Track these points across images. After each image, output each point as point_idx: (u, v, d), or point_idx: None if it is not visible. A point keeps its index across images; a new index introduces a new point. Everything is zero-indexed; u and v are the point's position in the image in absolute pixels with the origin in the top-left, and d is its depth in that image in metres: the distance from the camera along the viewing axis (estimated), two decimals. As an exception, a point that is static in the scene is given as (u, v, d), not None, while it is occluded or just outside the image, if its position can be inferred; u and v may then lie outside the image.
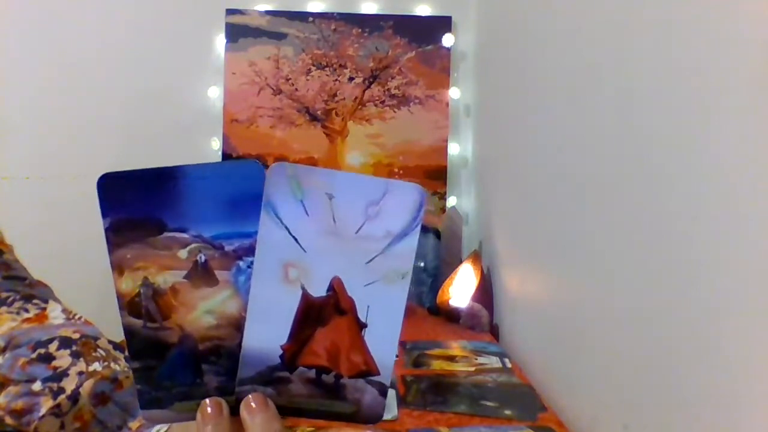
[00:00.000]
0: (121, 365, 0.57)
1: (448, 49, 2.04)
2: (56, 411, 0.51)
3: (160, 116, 2.03)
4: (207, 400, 0.36)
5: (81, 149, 2.02)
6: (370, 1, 2.05)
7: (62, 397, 0.52)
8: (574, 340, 1.03)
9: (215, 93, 2.04)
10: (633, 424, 0.79)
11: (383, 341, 0.37)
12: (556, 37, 1.16)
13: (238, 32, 2.04)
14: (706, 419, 0.62)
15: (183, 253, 0.36)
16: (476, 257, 1.69)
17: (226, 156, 2.02)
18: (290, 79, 2.05)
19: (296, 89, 2.05)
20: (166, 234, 0.36)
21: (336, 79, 2.05)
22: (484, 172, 1.92)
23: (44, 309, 0.61)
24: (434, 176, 2.03)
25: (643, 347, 0.77)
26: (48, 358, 0.54)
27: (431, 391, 1.08)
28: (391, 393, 1.05)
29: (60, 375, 0.53)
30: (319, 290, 0.36)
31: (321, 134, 2.05)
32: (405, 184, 0.36)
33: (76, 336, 0.57)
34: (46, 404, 0.51)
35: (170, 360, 0.36)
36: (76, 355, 0.55)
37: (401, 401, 1.03)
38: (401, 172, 2.02)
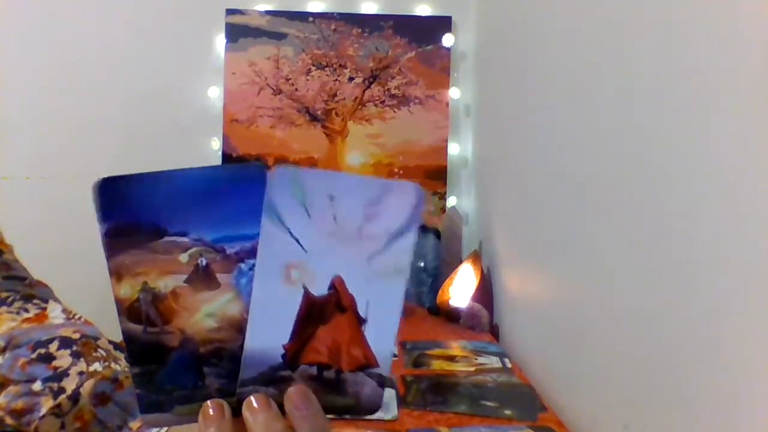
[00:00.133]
0: (121, 365, 0.57)
1: (448, 49, 2.04)
2: (57, 411, 0.51)
3: (160, 116, 2.03)
4: (208, 402, 0.36)
5: (81, 149, 2.02)
6: (370, 1, 2.05)
7: (63, 397, 0.52)
8: (574, 340, 1.03)
9: (215, 93, 2.04)
10: (633, 424, 0.79)
11: (382, 334, 0.37)
12: (556, 37, 1.16)
13: (238, 32, 2.04)
14: (706, 419, 0.62)
15: (184, 257, 0.36)
16: (476, 257, 1.69)
17: (226, 156, 2.02)
18: (290, 79, 2.05)
19: (296, 89, 2.05)
20: (166, 238, 0.36)
21: (336, 79, 2.05)
22: (484, 172, 1.92)
23: (44, 309, 0.61)
24: (434, 176, 2.03)
25: (643, 347, 0.77)
26: (48, 358, 0.54)
27: (431, 391, 1.08)
28: (391, 393, 1.05)
29: (60, 375, 0.53)
30: (320, 289, 0.37)
31: (321, 134, 2.05)
32: (403, 183, 0.37)
33: (77, 336, 0.57)
34: (46, 404, 0.51)
35: (171, 364, 0.36)
36: (76, 355, 0.55)
37: (401, 401, 1.03)
38: (401, 172, 2.02)
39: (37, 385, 0.52)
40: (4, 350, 0.55)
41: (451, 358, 1.28)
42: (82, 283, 1.46)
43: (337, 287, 0.37)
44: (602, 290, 0.92)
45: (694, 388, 0.64)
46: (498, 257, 1.62)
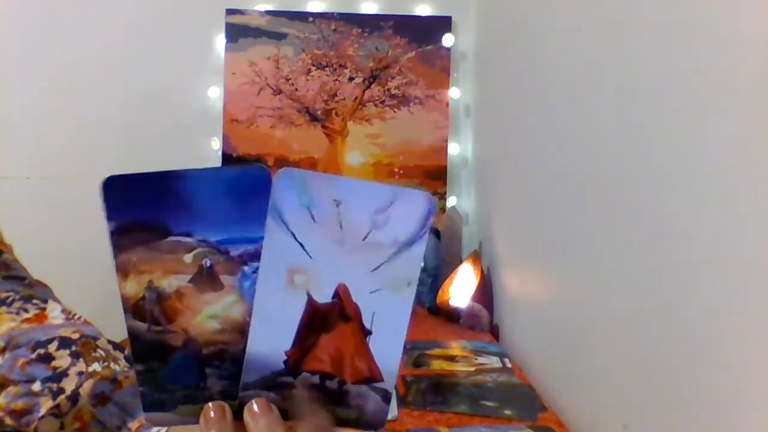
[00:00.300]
0: (120, 365, 0.57)
1: (448, 49, 2.04)
2: (56, 411, 0.51)
3: (160, 116, 2.03)
4: (210, 404, 0.36)
5: (81, 149, 2.02)
6: (370, 1, 2.05)
7: (62, 397, 0.52)
8: (574, 340, 1.03)
9: (215, 93, 2.04)
10: (633, 424, 0.79)
11: (388, 348, 0.37)
12: (556, 37, 1.16)
13: (238, 32, 2.04)
14: (706, 419, 0.62)
15: (188, 258, 0.36)
16: (476, 257, 1.69)
17: (226, 156, 2.02)
18: (290, 79, 2.05)
19: (296, 89, 2.05)
20: (172, 238, 0.36)
21: (336, 79, 2.05)
22: (484, 172, 1.92)
23: (44, 309, 0.61)
24: (434, 176, 2.03)
25: (643, 347, 0.77)
26: (48, 359, 0.54)
27: (431, 391, 1.08)
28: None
29: (60, 375, 0.53)
30: (324, 296, 0.36)
31: (321, 134, 2.05)
32: (414, 192, 0.36)
33: (76, 336, 0.57)
34: (45, 405, 0.51)
35: (174, 363, 0.36)
36: (75, 356, 0.54)
37: (401, 401, 1.03)
38: (401, 172, 2.02)
39: (36, 386, 0.52)
40: (3, 350, 0.55)
41: (451, 358, 1.28)
42: (82, 283, 1.46)
43: (341, 295, 0.36)
44: (602, 290, 0.92)
45: (694, 388, 0.64)
46: (498, 257, 1.62)
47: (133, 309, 0.36)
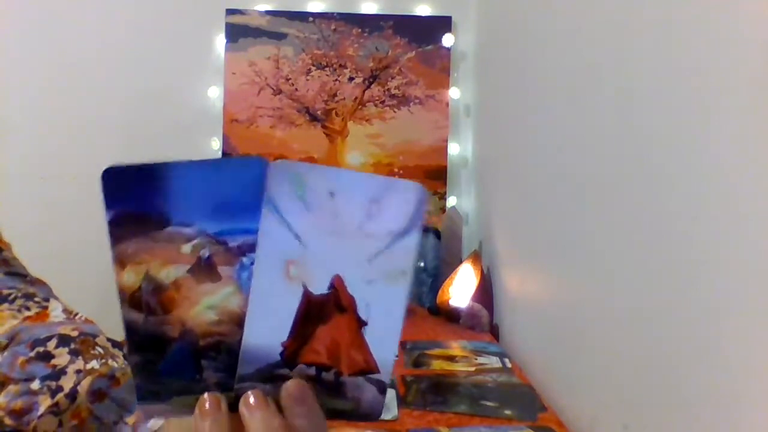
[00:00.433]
0: (119, 362, 0.57)
1: (448, 49, 2.04)
2: (54, 410, 0.51)
3: (160, 116, 2.03)
4: (206, 395, 0.36)
5: (81, 149, 2.02)
6: (370, 1, 2.05)
7: (60, 395, 0.52)
8: (574, 340, 1.03)
9: (215, 93, 2.04)
10: (633, 424, 0.79)
11: (383, 339, 0.37)
12: (556, 37, 1.16)
13: (238, 32, 2.04)
14: (706, 419, 0.62)
15: (186, 248, 0.36)
16: (476, 257, 1.69)
17: (226, 156, 2.02)
18: (290, 79, 2.05)
19: (296, 89, 2.05)
20: (170, 228, 0.36)
21: (336, 79, 2.05)
22: (484, 172, 1.92)
23: (46, 308, 0.61)
24: (434, 176, 2.03)
25: (643, 347, 0.77)
26: (47, 357, 0.54)
27: (431, 391, 1.08)
28: (391, 393, 1.05)
29: (58, 373, 0.53)
30: (320, 288, 0.36)
31: (321, 134, 2.05)
32: (407, 182, 0.36)
33: (75, 334, 0.57)
34: (44, 403, 0.51)
35: (170, 354, 0.36)
36: (74, 353, 0.55)
37: (401, 401, 1.03)
38: (401, 172, 2.02)
39: (35, 384, 0.52)
40: (6, 348, 0.55)
41: (451, 358, 1.28)
42: (82, 283, 1.46)
43: (336, 287, 0.36)
44: (602, 290, 0.92)
45: (694, 388, 0.64)
46: (498, 257, 1.62)
47: (130, 299, 0.36)
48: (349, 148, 2.04)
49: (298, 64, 2.04)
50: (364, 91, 2.04)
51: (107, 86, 2.03)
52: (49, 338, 0.55)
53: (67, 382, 0.52)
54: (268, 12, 2.04)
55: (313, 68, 2.05)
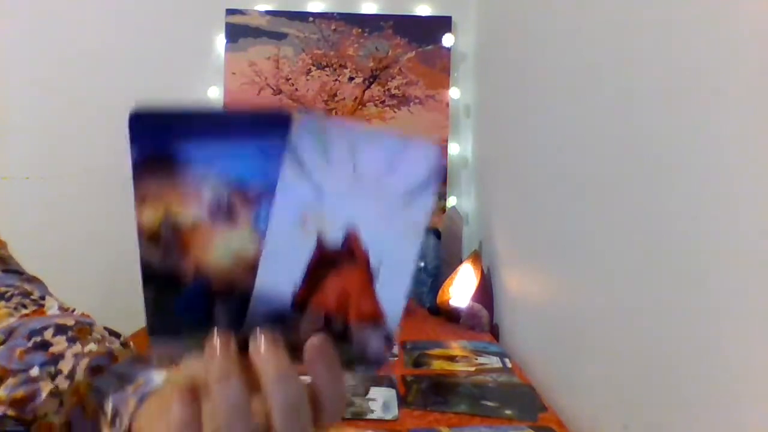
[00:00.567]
0: (116, 346, 0.57)
1: (448, 49, 2.04)
2: (55, 391, 0.51)
3: (160, 116, 2.03)
4: (216, 334, 0.36)
5: (81, 149, 2.02)
6: (370, 1, 2.05)
7: (60, 377, 0.52)
8: (574, 340, 1.03)
9: (215, 93, 2.04)
10: (633, 424, 0.79)
11: (393, 291, 0.38)
12: (556, 37, 1.16)
13: (238, 32, 2.04)
14: (706, 419, 0.62)
15: (207, 192, 0.36)
16: (476, 257, 1.69)
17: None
18: (290, 79, 2.05)
19: (296, 89, 2.05)
20: (192, 171, 0.36)
21: (336, 79, 2.05)
22: (484, 172, 1.92)
23: (42, 306, 0.61)
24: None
25: (643, 347, 0.77)
26: (44, 346, 0.54)
27: (432, 391, 1.08)
28: (392, 393, 1.05)
29: (57, 358, 0.53)
30: (334, 239, 0.37)
31: (321, 134, 2.05)
32: (422, 142, 0.37)
33: (72, 323, 0.57)
34: (45, 388, 0.51)
35: (184, 294, 0.37)
36: (72, 340, 0.55)
37: (401, 401, 1.03)
38: (401, 172, 2.02)
39: (34, 371, 0.52)
40: (3, 343, 0.55)
41: (452, 358, 1.28)
42: (82, 283, 1.46)
43: (351, 238, 0.37)
44: (602, 290, 0.92)
45: (694, 388, 0.64)
46: (498, 257, 1.62)
47: (149, 237, 0.37)
48: (349, 148, 2.04)
49: (298, 64, 2.05)
50: (364, 91, 2.04)
51: (107, 86, 2.03)
52: (45, 328, 0.56)
53: (65, 365, 0.52)
54: (268, 12, 2.04)
55: (313, 68, 2.05)
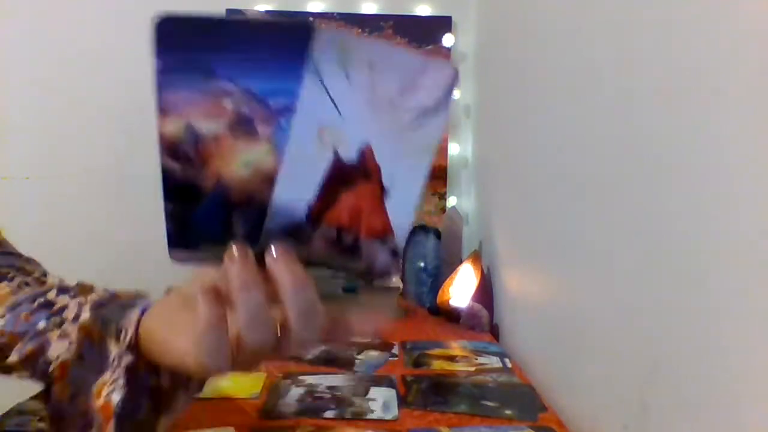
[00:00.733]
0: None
1: (448, 49, 2.04)
2: (63, 334, 0.52)
3: (160, 116, 2.03)
4: (234, 245, 0.37)
5: (81, 149, 2.02)
6: (370, 1, 2.05)
7: (67, 323, 0.53)
8: (574, 340, 1.03)
9: (215, 93, 2.04)
10: (633, 424, 0.79)
11: (402, 208, 0.39)
12: (556, 37, 1.16)
13: (238, 32, 2.03)
14: (706, 419, 0.62)
15: (228, 104, 0.37)
16: (476, 257, 1.69)
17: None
18: (290, 79, 2.05)
19: (296, 89, 2.05)
20: (215, 83, 0.36)
21: (336, 79, 2.04)
22: (484, 172, 1.92)
23: (44, 283, 0.62)
24: (434, 176, 2.03)
25: (643, 347, 0.77)
26: (49, 305, 0.55)
27: (432, 391, 1.08)
28: (392, 393, 1.05)
29: (62, 309, 0.54)
30: (350, 155, 0.38)
31: (321, 134, 2.05)
32: (439, 61, 0.38)
33: (73, 284, 0.58)
34: (53, 336, 0.52)
35: (203, 205, 0.38)
36: (74, 296, 0.56)
37: (401, 401, 1.03)
38: (401, 172, 2.02)
39: (41, 325, 0.53)
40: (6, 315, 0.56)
41: (452, 358, 1.28)
42: (82, 283, 1.46)
43: (365, 155, 0.38)
44: (602, 290, 0.92)
45: (695, 388, 0.64)
46: (498, 257, 1.62)
47: (169, 148, 0.37)
48: (349, 148, 2.04)
49: (298, 64, 2.04)
50: (364, 91, 2.04)
51: (108, 86, 2.03)
52: (47, 290, 0.57)
53: (70, 313, 0.54)
54: (268, 12, 2.04)
55: (313, 68, 2.05)
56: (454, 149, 2.06)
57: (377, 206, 0.39)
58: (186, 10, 0.36)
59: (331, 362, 1.22)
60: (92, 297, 0.55)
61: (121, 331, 0.49)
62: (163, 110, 0.36)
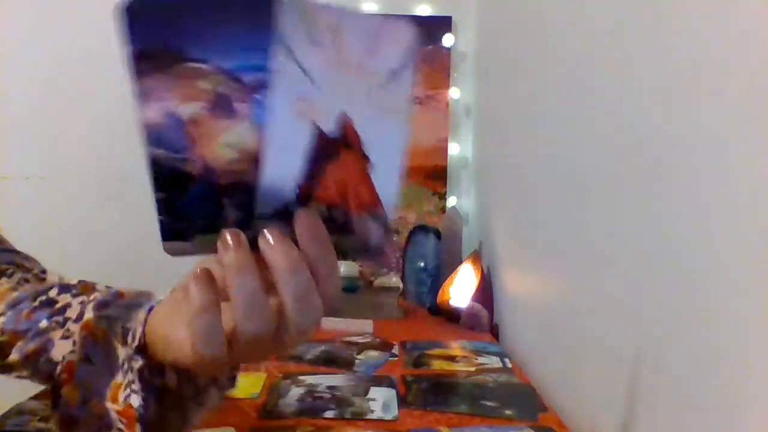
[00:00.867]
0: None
1: (448, 49, 2.04)
2: (66, 334, 0.51)
3: (160, 116, 2.03)
4: (226, 232, 0.37)
5: (81, 149, 2.02)
6: (370, 1, 2.05)
7: (70, 323, 0.52)
8: (574, 340, 1.03)
9: (215, 93, 2.04)
10: (633, 424, 0.79)
11: (386, 177, 0.38)
12: (556, 37, 1.16)
13: (238, 32, 2.03)
14: (706, 419, 0.62)
15: (204, 84, 0.36)
16: (476, 257, 1.69)
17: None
18: (290, 79, 2.05)
19: (296, 89, 2.05)
20: (188, 64, 0.36)
21: (336, 79, 2.04)
22: (484, 172, 1.92)
23: (44, 279, 0.62)
24: (434, 176, 2.03)
25: (643, 347, 0.77)
26: (50, 303, 0.54)
27: (432, 391, 1.08)
28: (392, 393, 1.05)
29: (64, 307, 0.54)
30: (328, 125, 0.37)
31: (321, 134, 2.05)
32: (397, 20, 0.37)
33: (74, 282, 0.58)
34: (56, 336, 0.51)
35: (193, 192, 0.37)
36: (76, 295, 0.55)
37: (401, 401, 1.03)
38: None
39: (43, 323, 0.52)
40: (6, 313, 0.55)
41: (452, 358, 1.28)
42: (82, 283, 1.46)
43: (345, 125, 0.37)
44: (602, 290, 0.92)
45: (694, 388, 0.64)
46: (498, 257, 1.62)
47: (153, 136, 0.37)
48: (349, 148, 2.04)
49: (298, 64, 2.04)
50: (364, 91, 2.04)
51: (108, 86, 2.01)
52: (49, 288, 0.56)
53: (73, 312, 0.53)
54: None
55: (313, 68, 2.05)
56: (454, 149, 2.06)
57: (363, 177, 0.38)
58: None
59: (331, 362, 1.22)
60: (95, 296, 0.54)
61: (127, 333, 0.48)
62: (142, 98, 0.36)
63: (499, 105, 1.70)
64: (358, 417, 0.96)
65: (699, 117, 0.64)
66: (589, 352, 0.97)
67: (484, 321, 1.55)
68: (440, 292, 1.69)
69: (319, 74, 0.36)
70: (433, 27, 2.04)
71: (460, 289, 1.63)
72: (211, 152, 0.37)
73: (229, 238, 0.37)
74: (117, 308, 0.51)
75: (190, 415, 0.50)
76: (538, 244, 1.29)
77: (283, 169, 0.37)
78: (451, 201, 2.05)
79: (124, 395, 0.47)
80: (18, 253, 0.67)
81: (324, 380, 1.11)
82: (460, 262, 1.73)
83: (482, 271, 1.66)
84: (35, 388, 0.57)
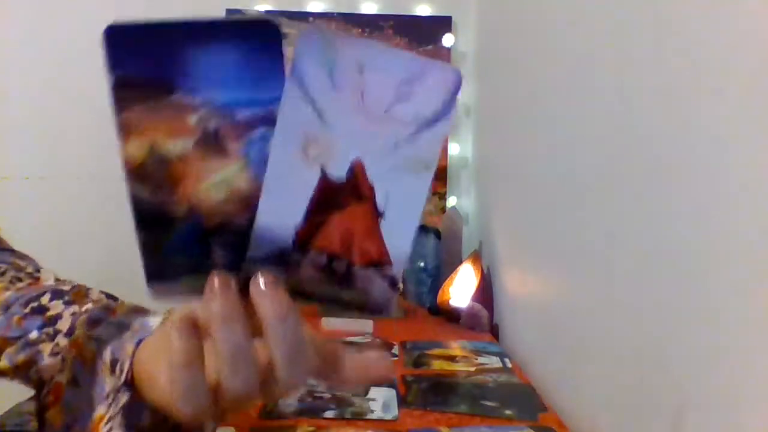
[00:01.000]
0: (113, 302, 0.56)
1: (448, 49, 2.04)
2: (56, 350, 0.50)
3: (160, 116, 2.03)
4: (215, 275, 0.34)
5: (81, 149, 2.02)
6: (370, 1, 2.05)
7: (60, 336, 0.51)
8: (574, 340, 1.03)
9: (215, 93, 2.04)
10: (633, 424, 0.79)
11: (399, 233, 0.35)
12: (556, 37, 1.16)
13: (238, 32, 2.03)
14: (706, 419, 0.62)
15: (192, 119, 0.33)
16: (476, 257, 1.69)
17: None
18: (290, 79, 2.05)
19: (296, 89, 2.05)
20: (176, 96, 0.33)
21: (336, 79, 2.04)
22: (484, 172, 1.92)
23: (38, 278, 0.61)
24: (434, 176, 2.02)
25: (643, 347, 0.77)
26: (42, 310, 0.53)
27: (432, 391, 1.08)
28: (392, 393, 1.05)
29: (55, 318, 0.52)
30: (339, 171, 0.34)
31: (321, 134, 2.05)
32: (444, 65, 0.34)
33: (67, 288, 0.56)
34: (46, 349, 0.50)
35: (178, 233, 0.34)
36: (68, 303, 0.53)
37: (401, 401, 1.03)
38: (401, 172, 2.02)
39: (33, 335, 0.51)
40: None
41: (452, 358, 1.28)
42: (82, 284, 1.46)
43: (356, 172, 0.34)
44: (602, 290, 0.92)
45: (694, 388, 0.64)
46: (498, 257, 1.62)
47: (135, 173, 0.33)
48: (349, 148, 2.04)
49: (298, 64, 2.04)
50: (364, 91, 2.04)
51: (107, 86, 2.02)
52: (41, 294, 0.55)
53: (64, 324, 0.51)
54: (268, 12, 2.04)
55: (313, 68, 2.05)
56: (454, 149, 2.06)
57: (371, 230, 0.35)
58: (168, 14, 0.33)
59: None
60: (87, 307, 0.53)
61: (116, 363, 0.46)
62: (124, 132, 0.33)
63: (499, 105, 1.70)
64: (358, 417, 0.96)
65: (699, 117, 0.64)
66: (589, 352, 0.97)
67: (484, 321, 1.55)
68: (440, 292, 1.69)
69: (335, 116, 0.33)
70: (433, 27, 2.04)
71: (460, 289, 1.63)
72: (197, 192, 0.34)
73: (216, 281, 0.34)
74: (108, 327, 0.50)
75: None
76: (538, 244, 1.29)
77: (281, 211, 0.34)
78: (451, 201, 2.05)
79: (105, 429, 0.46)
80: (14, 252, 0.67)
81: (324, 380, 1.11)
82: (460, 262, 1.73)
83: (482, 271, 1.66)
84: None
